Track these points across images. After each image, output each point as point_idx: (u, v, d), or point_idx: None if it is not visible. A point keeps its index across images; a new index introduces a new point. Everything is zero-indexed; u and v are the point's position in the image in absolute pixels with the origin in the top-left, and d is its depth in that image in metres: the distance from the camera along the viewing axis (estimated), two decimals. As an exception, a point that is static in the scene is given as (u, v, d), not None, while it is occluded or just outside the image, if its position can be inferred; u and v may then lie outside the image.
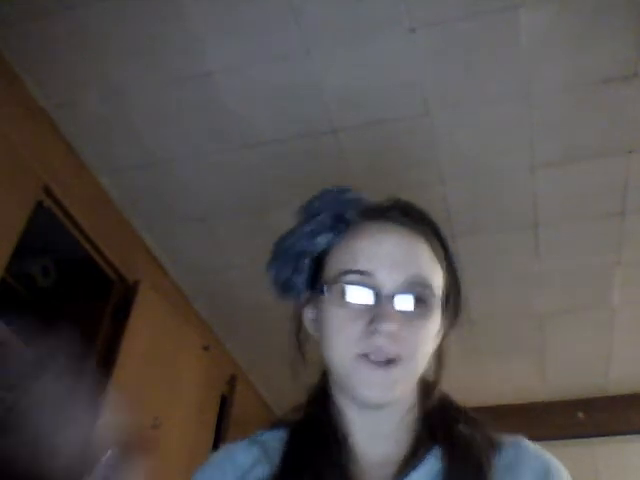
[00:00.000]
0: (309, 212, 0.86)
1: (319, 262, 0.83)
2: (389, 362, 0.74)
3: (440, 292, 0.79)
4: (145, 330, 2.39)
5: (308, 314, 0.86)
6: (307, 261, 0.83)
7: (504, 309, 2.78)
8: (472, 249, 2.41)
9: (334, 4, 1.81)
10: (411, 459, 0.77)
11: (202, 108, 2.09)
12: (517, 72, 1.94)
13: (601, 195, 2.30)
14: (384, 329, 0.73)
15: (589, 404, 3.32)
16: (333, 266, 0.81)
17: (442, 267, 0.82)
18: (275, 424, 0.86)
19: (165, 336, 2.52)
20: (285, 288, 0.85)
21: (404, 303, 0.76)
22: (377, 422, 0.81)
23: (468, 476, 0.73)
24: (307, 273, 0.84)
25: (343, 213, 0.84)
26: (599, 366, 3.16)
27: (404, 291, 0.76)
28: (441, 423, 0.79)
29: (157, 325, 2.48)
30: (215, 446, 2.84)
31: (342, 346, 0.76)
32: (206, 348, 2.79)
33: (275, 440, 0.82)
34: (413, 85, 2.00)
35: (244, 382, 3.29)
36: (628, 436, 3.25)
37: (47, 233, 2.21)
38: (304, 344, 0.86)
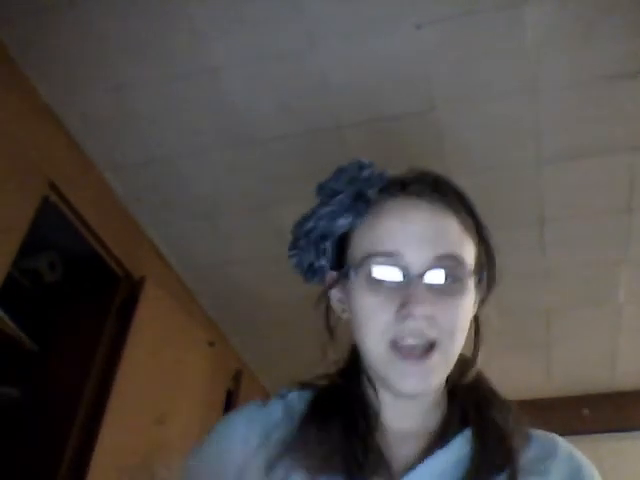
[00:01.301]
0: (327, 192, 0.81)
1: (342, 243, 0.80)
2: (426, 350, 0.72)
3: (472, 267, 0.75)
4: (151, 326, 2.39)
5: (335, 295, 0.82)
6: (329, 244, 0.79)
7: (510, 305, 2.77)
8: (477, 245, 2.40)
9: (339, 0, 1.80)
10: (440, 437, 0.75)
11: (206, 104, 2.09)
12: (523, 68, 1.94)
13: (607, 192, 2.29)
14: (418, 312, 0.70)
15: (594, 400, 3.32)
16: (358, 248, 0.77)
17: (473, 240, 0.78)
18: (303, 385, 0.83)
19: (170, 332, 2.52)
20: (310, 272, 0.82)
21: (435, 279, 0.72)
22: (410, 402, 0.78)
23: (496, 463, 0.70)
24: (331, 255, 0.80)
25: (363, 191, 0.78)
26: (604, 362, 3.16)
27: (435, 268, 0.72)
28: (474, 405, 0.77)
29: (162, 321, 2.48)
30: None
31: (374, 333, 0.73)
32: (211, 344, 2.79)
33: (301, 401, 0.80)
34: (418, 81, 1.99)
35: (249, 377, 3.30)
36: (634, 432, 3.25)
37: (53, 229, 2.22)
38: (335, 328, 0.82)
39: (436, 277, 0.72)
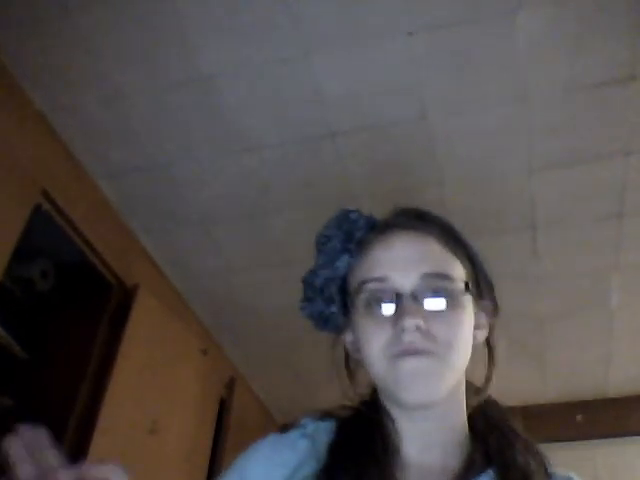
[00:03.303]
0: (322, 241, 0.87)
1: (345, 286, 0.84)
2: (422, 352, 0.74)
3: (462, 282, 0.79)
4: (143, 334, 2.38)
5: (348, 338, 0.86)
6: (333, 288, 0.84)
7: (503, 311, 2.77)
8: (470, 252, 2.40)
9: (333, 9, 1.81)
10: (462, 477, 0.75)
11: (201, 112, 2.10)
12: (515, 75, 1.95)
13: (599, 197, 2.31)
14: (409, 324, 0.73)
15: (588, 406, 3.32)
16: (353, 281, 0.82)
17: (460, 261, 0.81)
18: (323, 416, 0.85)
19: (163, 340, 2.52)
20: (322, 321, 0.86)
21: (426, 298, 0.76)
22: (427, 430, 0.79)
23: None
24: (338, 301, 0.84)
25: (351, 233, 0.84)
26: (598, 368, 3.16)
27: (423, 286, 0.77)
28: (497, 444, 0.78)
29: (155, 329, 2.47)
30: (214, 449, 2.84)
31: (375, 353, 0.76)
32: (204, 352, 2.78)
33: (323, 434, 0.81)
34: (411, 88, 2.00)
35: (243, 385, 3.29)
36: (627, 438, 3.25)
37: (46, 237, 2.21)
38: (355, 372, 0.85)
39: (427, 298, 0.77)
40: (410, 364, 0.74)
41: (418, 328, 0.74)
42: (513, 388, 3.46)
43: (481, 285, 0.84)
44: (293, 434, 0.83)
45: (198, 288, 2.81)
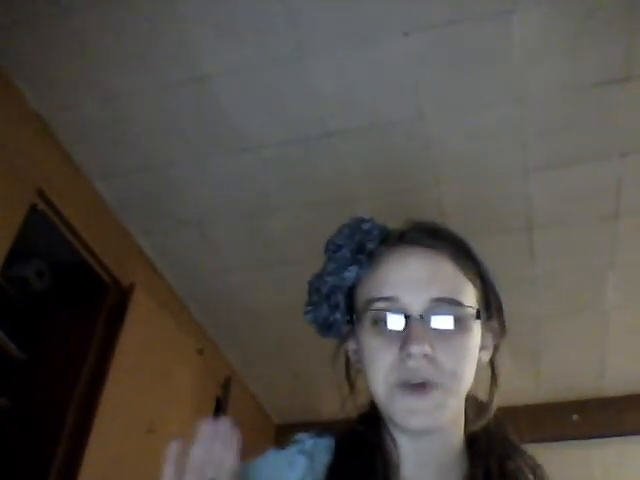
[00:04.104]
0: (332, 249, 0.85)
1: (352, 296, 0.83)
2: (427, 386, 0.73)
3: (473, 308, 0.78)
4: (139, 334, 2.38)
5: (351, 346, 0.85)
6: (340, 296, 0.83)
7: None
8: (467, 252, 2.41)
9: (329, 8, 1.81)
10: None
11: (198, 112, 2.09)
12: (510, 76, 1.95)
13: (594, 198, 2.31)
14: (415, 351, 0.72)
15: (584, 406, 3.32)
16: (361, 297, 0.81)
17: (473, 282, 0.80)
18: (323, 431, 0.84)
19: (159, 339, 2.51)
20: (326, 327, 0.85)
21: (435, 322, 0.75)
22: (426, 449, 0.79)
23: None
24: (343, 309, 0.83)
25: (364, 244, 0.83)
26: (594, 368, 3.17)
27: (432, 310, 0.75)
28: (498, 461, 0.78)
29: (151, 329, 2.47)
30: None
31: (379, 376, 0.76)
32: (201, 351, 2.78)
33: (323, 451, 0.80)
34: (407, 88, 2.00)
35: (239, 385, 3.28)
36: (623, 437, 3.26)
37: (41, 236, 2.21)
38: (355, 378, 0.85)
39: (436, 322, 0.75)
40: (412, 404, 0.73)
41: (425, 356, 0.73)
42: (509, 388, 3.46)
43: (491, 306, 0.83)
44: (291, 451, 0.81)
45: (194, 288, 2.81)
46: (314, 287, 0.84)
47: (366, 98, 2.04)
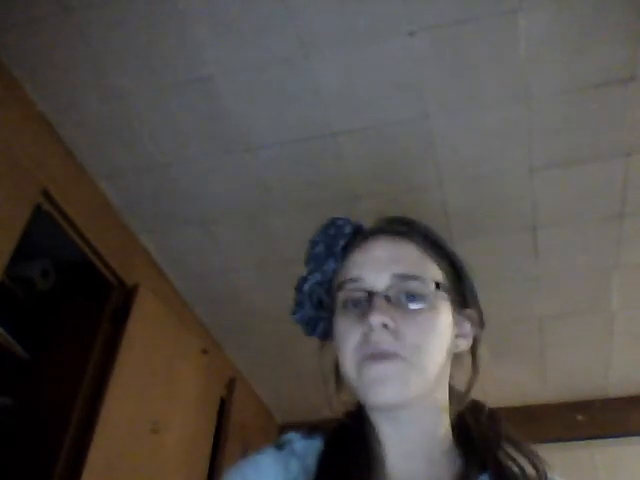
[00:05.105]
0: (309, 247, 0.91)
1: (331, 291, 0.86)
2: (388, 356, 0.74)
3: (436, 285, 0.79)
4: (144, 334, 2.39)
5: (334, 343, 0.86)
6: (321, 293, 0.86)
7: (503, 311, 2.78)
8: (471, 252, 2.37)
9: (333, 8, 1.81)
10: None
11: (201, 112, 2.10)
12: (515, 75, 1.95)
13: (599, 197, 2.30)
14: (374, 321, 0.74)
15: (588, 406, 3.32)
16: (335, 284, 0.84)
17: (439, 265, 0.83)
18: (311, 431, 0.85)
19: (164, 340, 2.52)
20: (311, 327, 0.88)
21: (396, 297, 0.77)
22: (408, 435, 0.79)
23: None
24: (326, 306, 0.86)
25: (336, 238, 0.87)
26: (598, 368, 3.16)
27: (395, 286, 0.78)
28: (492, 453, 0.78)
29: (156, 329, 2.47)
30: (214, 449, 2.84)
31: (348, 354, 0.77)
32: (205, 352, 2.79)
33: (311, 453, 0.80)
34: (412, 88, 2.00)
35: (243, 385, 3.29)
36: (627, 438, 3.25)
37: (46, 236, 2.21)
38: (343, 378, 0.84)
39: (397, 297, 0.78)
40: (374, 371, 0.74)
41: (385, 326, 0.74)
42: (514, 388, 3.47)
43: (466, 294, 0.85)
44: (284, 453, 0.81)
45: (198, 288, 2.81)
46: (298, 288, 0.88)
47: (369, 98, 2.04)
